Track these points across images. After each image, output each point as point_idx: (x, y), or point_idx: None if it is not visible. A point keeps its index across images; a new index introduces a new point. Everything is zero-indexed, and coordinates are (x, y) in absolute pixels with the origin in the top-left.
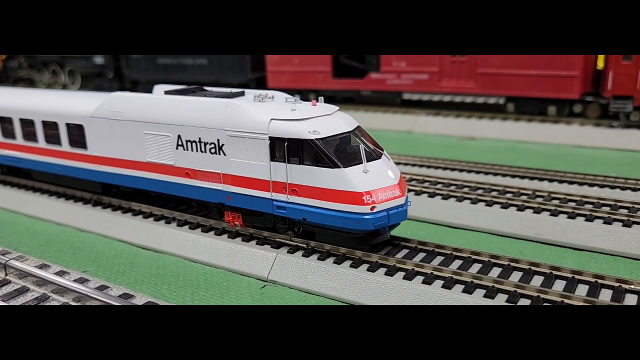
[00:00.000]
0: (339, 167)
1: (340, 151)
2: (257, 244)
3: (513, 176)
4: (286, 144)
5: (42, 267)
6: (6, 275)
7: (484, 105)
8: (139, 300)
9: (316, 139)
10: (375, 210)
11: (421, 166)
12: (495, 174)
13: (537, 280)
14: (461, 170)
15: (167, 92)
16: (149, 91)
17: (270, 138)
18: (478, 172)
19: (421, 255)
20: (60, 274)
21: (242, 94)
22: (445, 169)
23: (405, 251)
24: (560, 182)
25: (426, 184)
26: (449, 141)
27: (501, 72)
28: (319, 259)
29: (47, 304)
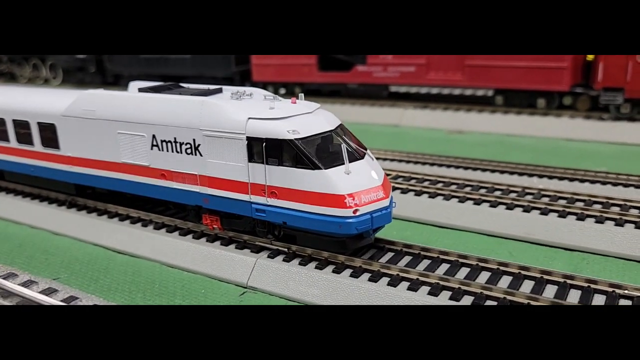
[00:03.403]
0: (320, 168)
1: (321, 151)
2: (236, 248)
3: (502, 172)
4: (264, 144)
5: (9, 276)
6: None
7: (472, 98)
8: None
9: (295, 139)
10: (358, 214)
11: (408, 162)
12: (484, 170)
13: (527, 286)
14: (449, 166)
15: (140, 90)
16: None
17: (248, 138)
18: (466, 168)
19: (407, 258)
20: (28, 284)
21: (220, 91)
22: (432, 164)
23: (390, 255)
24: (550, 177)
25: (413, 182)
26: (437, 135)
27: (489, 64)
28: (300, 264)
29: None
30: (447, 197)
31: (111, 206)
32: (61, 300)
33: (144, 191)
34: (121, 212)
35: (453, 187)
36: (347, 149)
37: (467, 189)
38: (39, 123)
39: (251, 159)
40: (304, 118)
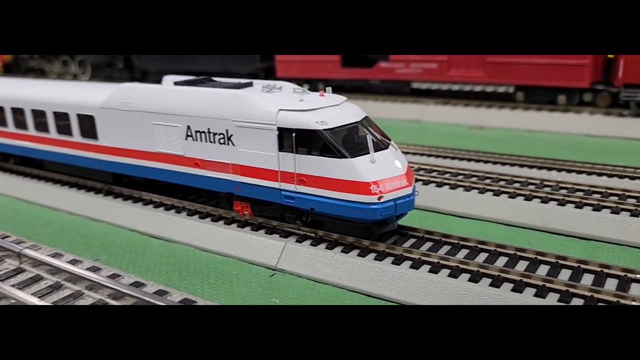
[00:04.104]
0: (346, 157)
1: (347, 141)
2: (265, 233)
3: (521, 165)
4: (294, 134)
5: (56, 255)
6: (20, 263)
7: (493, 94)
8: (151, 288)
9: (324, 129)
10: (382, 200)
11: (429, 155)
12: (504, 164)
13: (543, 270)
14: (469, 160)
15: (176, 83)
16: (159, 81)
17: (279, 129)
18: (486, 162)
19: (428, 244)
20: (73, 262)
21: (250, 84)
22: (453, 158)
23: (412, 240)
24: (569, 171)
25: (434, 174)
26: (458, 130)
27: (511, 61)
28: (327, 248)
29: (61, 292)
30: (468, 189)
31: (145, 194)
32: (107, 277)
33: (178, 179)
34: (155, 200)
35: (473, 179)
36: (372, 139)
37: (487, 181)
38: (78, 115)
39: (281, 148)
40: (332, 110)
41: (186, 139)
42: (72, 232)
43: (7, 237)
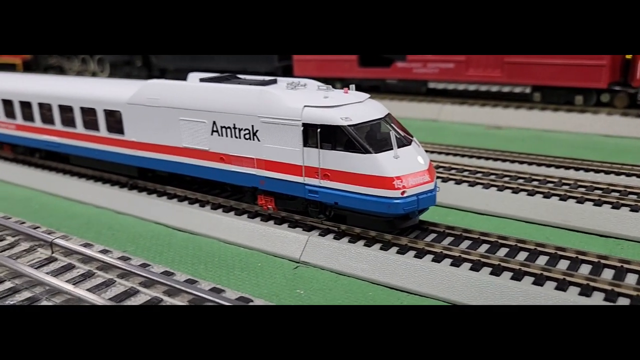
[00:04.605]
0: (370, 152)
1: (371, 137)
2: (289, 226)
3: (539, 164)
4: (319, 130)
5: (86, 245)
6: (52, 253)
7: (509, 95)
8: (180, 277)
9: (348, 125)
10: (405, 195)
11: (447, 154)
12: (522, 162)
13: (563, 264)
14: (487, 159)
15: (202, 80)
16: (178, 79)
17: (304, 124)
18: (504, 160)
19: (449, 239)
20: (104, 252)
21: (275, 81)
22: (471, 157)
23: (433, 235)
24: (587, 170)
25: (453, 172)
26: (475, 130)
27: (528, 62)
28: (349, 241)
29: (93, 280)
30: (486, 186)
31: (170, 188)
32: (139, 265)
33: (203, 174)
34: (179, 194)
35: (492, 176)
36: (395, 135)
37: (506, 179)
38: (105, 110)
39: (306, 143)
40: (356, 107)
41: (212, 134)
42: (98, 224)
43: (38, 227)
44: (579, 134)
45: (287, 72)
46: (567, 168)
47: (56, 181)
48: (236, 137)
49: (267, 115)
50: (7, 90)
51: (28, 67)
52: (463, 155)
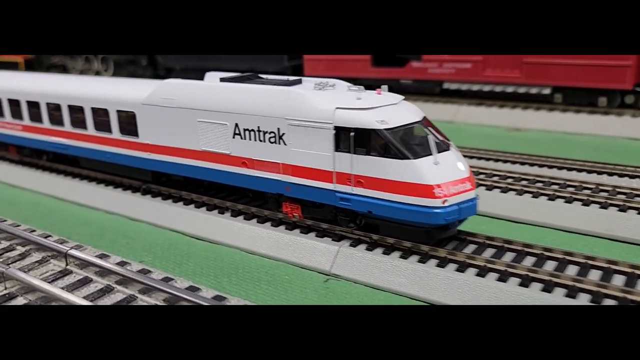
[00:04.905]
0: (409, 158)
1: (409, 142)
2: (316, 236)
3: (569, 169)
4: (353, 134)
5: (102, 257)
6: (67, 265)
7: (527, 95)
8: (206, 293)
9: (385, 129)
10: (446, 204)
11: (471, 157)
12: (550, 167)
13: (618, 280)
14: (513, 162)
15: (222, 80)
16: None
17: (336, 128)
18: (532, 164)
19: (490, 251)
20: (122, 264)
21: (299, 81)
22: (496, 160)
23: (472, 246)
24: (621, 176)
25: (481, 177)
26: (495, 132)
27: (549, 62)
28: (384, 253)
29: (113, 296)
30: (520, 192)
31: (186, 193)
32: (161, 279)
33: (224, 179)
34: (196, 199)
35: (524, 182)
36: (434, 139)
37: (539, 185)
38: (118, 111)
39: (338, 148)
40: (391, 109)
41: (233, 137)
42: (111, 231)
43: (49, 236)
44: (604, 136)
45: (297, 71)
46: (600, 173)
47: (65, 185)
48: (260, 141)
49: (295, 117)
50: (13, 89)
51: (30, 66)
52: (488, 159)
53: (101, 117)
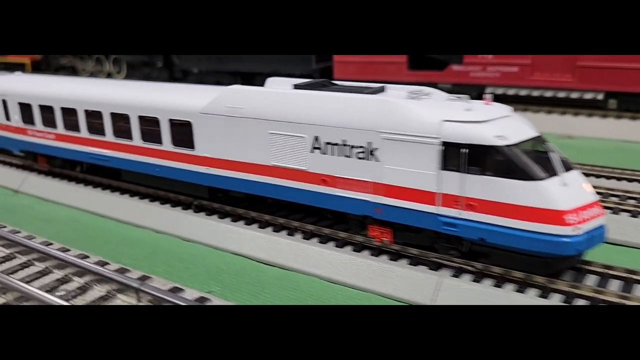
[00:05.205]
0: (534, 179)
1: (531, 160)
2: (410, 264)
3: (630, 180)
4: (465, 150)
5: (175, 290)
6: (139, 300)
7: (578, 101)
8: None
9: (505, 145)
10: (579, 232)
11: None
12: (609, 177)
13: None
14: (588, 175)
15: (297, 87)
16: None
17: (444, 143)
18: (588, 175)
19: (616, 283)
20: (201, 300)
21: (382, 89)
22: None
23: (593, 277)
24: None
25: None
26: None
27: (604, 65)
28: (495, 285)
29: None
30: (616, 211)
31: (242, 211)
32: None
33: (298, 197)
34: (259, 219)
35: (614, 199)
36: (559, 157)
37: (631, 202)
38: (171, 120)
39: (445, 166)
40: (507, 121)
41: (312, 151)
42: (164, 254)
43: (106, 264)
44: None
45: (326, 74)
46: None
47: (105, 200)
48: (346, 156)
49: (391, 130)
50: (46, 95)
51: (37, 67)
52: None
53: (150, 126)
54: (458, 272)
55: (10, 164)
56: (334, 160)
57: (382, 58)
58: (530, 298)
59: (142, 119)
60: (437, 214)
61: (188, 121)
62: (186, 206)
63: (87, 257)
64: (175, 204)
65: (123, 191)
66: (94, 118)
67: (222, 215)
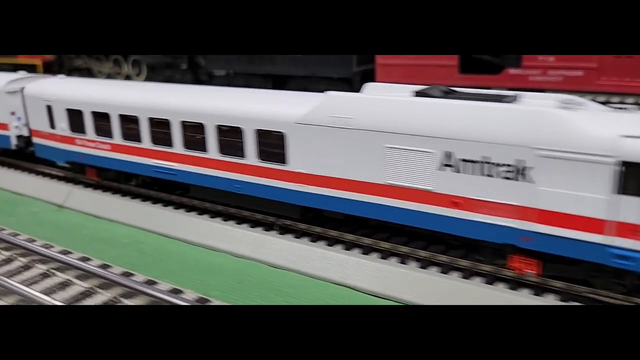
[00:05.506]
0: None
1: None
2: (560, 300)
3: None
4: None
5: None
6: None
7: None
8: None
9: None
10: None
11: None
12: None
13: None
14: None
15: (419, 93)
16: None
17: (624, 163)
18: None
19: None
20: None
21: (515, 98)
22: None
23: None
24: None
25: None
26: None
27: None
28: None
29: None
30: None
31: (337, 233)
32: None
33: (420, 222)
34: (358, 243)
35: None
36: None
37: None
38: (258, 131)
39: (622, 190)
40: None
41: (441, 169)
42: (256, 284)
43: (180, 292)
44: None
45: (367, 78)
46: None
47: (170, 218)
48: (487, 175)
49: (551, 147)
50: (101, 100)
51: (49, 69)
52: None
53: (230, 137)
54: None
55: (51, 176)
56: (471, 180)
57: (431, 60)
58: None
59: (221, 129)
60: (607, 245)
61: (280, 132)
62: (267, 226)
63: (154, 283)
64: (252, 223)
65: (188, 208)
66: (160, 127)
67: (313, 237)
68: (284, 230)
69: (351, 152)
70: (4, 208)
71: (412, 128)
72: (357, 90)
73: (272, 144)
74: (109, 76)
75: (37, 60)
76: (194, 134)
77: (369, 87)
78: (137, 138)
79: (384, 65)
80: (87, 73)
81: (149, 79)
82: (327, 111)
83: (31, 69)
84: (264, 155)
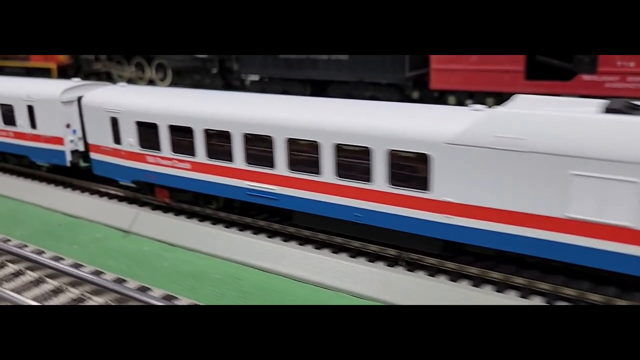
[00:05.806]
0: None
1: None
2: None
3: None
4: None
5: None
6: None
7: None
8: None
9: None
10: None
11: None
12: None
13: None
14: None
15: (609, 110)
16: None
17: None
18: None
19: None
20: None
21: None
22: None
23: None
24: None
25: None
26: None
27: None
28: None
29: None
30: None
31: (480, 270)
32: None
33: (614, 264)
34: (509, 282)
35: None
36: None
37: None
38: (391, 152)
39: None
40: None
41: None
42: None
43: None
44: None
45: (420, 84)
46: None
47: (269, 249)
48: None
49: None
50: (181, 113)
51: (64, 73)
52: None
53: (352, 158)
54: None
55: (109, 196)
56: None
57: (493, 65)
58: None
59: (340, 149)
60: None
61: (424, 154)
62: (391, 261)
63: None
64: (372, 257)
65: (286, 237)
66: (258, 144)
67: (453, 275)
68: (410, 266)
69: (519, 179)
70: (63, 234)
71: (611, 153)
72: (409, 97)
73: (411, 168)
74: (130, 81)
75: (51, 64)
76: (303, 153)
77: (517, 99)
78: (227, 157)
79: (440, 71)
80: (107, 77)
81: (174, 84)
82: (491, 130)
83: (44, 72)
84: (397, 179)
